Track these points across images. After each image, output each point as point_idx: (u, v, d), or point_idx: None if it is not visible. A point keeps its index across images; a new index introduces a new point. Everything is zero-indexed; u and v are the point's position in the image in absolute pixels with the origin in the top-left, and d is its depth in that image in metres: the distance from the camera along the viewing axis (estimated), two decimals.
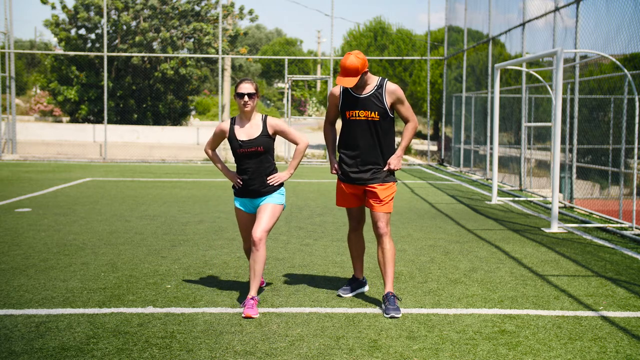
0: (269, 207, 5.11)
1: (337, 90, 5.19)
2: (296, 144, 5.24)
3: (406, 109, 5.13)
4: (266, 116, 5.19)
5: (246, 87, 5.06)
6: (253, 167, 5.11)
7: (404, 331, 4.53)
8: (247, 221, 5.29)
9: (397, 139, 24.03)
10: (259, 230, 4.99)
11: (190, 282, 5.71)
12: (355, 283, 5.46)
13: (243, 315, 4.77)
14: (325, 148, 23.75)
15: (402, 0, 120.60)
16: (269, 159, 5.16)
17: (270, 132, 5.14)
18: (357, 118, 5.05)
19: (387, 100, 5.04)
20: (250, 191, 5.15)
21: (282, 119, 33.99)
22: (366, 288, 5.54)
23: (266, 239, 5.25)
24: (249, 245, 5.35)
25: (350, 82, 4.93)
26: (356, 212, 5.31)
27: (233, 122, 5.19)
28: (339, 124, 5.24)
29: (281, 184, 5.20)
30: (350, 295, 5.39)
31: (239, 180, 5.16)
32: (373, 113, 5.03)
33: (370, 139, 5.06)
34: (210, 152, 5.40)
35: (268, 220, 5.06)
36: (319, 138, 29.12)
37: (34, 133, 23.67)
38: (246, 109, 5.09)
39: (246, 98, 5.05)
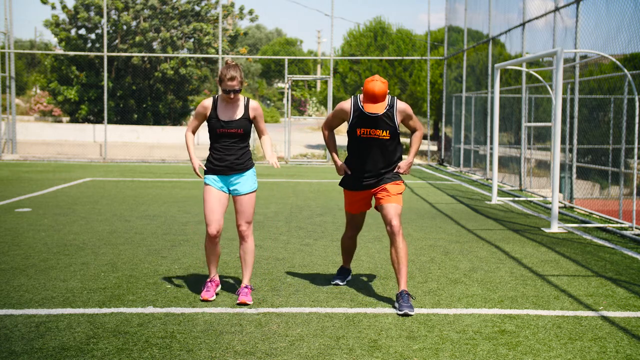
0: (247, 199, 5.18)
1: (347, 107, 5.24)
2: (262, 134, 5.30)
3: (414, 122, 5.35)
4: (248, 99, 5.22)
5: (233, 85, 5.01)
6: (228, 146, 5.12)
7: (404, 331, 4.53)
8: (216, 198, 5.15)
9: None
10: (244, 222, 5.16)
11: (190, 282, 5.71)
12: (347, 273, 5.83)
13: (238, 301, 4.83)
14: (325, 148, 23.73)
15: (402, 0, 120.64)
16: (245, 141, 5.19)
17: (251, 115, 5.18)
18: (368, 136, 5.20)
19: (398, 119, 5.20)
20: (225, 167, 5.14)
21: (282, 119, 33.96)
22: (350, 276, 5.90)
23: (252, 229, 5.30)
24: (214, 232, 5.15)
25: (381, 107, 5.04)
26: (359, 218, 5.58)
27: (215, 100, 5.18)
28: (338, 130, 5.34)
29: (252, 165, 5.24)
30: (344, 283, 5.73)
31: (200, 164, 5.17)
32: (385, 132, 5.17)
33: (379, 157, 5.24)
34: (192, 136, 5.28)
35: (250, 211, 5.18)
36: (320, 138, 29.12)
37: (34, 133, 23.64)
38: (232, 101, 5.11)
39: (232, 95, 5.06)
